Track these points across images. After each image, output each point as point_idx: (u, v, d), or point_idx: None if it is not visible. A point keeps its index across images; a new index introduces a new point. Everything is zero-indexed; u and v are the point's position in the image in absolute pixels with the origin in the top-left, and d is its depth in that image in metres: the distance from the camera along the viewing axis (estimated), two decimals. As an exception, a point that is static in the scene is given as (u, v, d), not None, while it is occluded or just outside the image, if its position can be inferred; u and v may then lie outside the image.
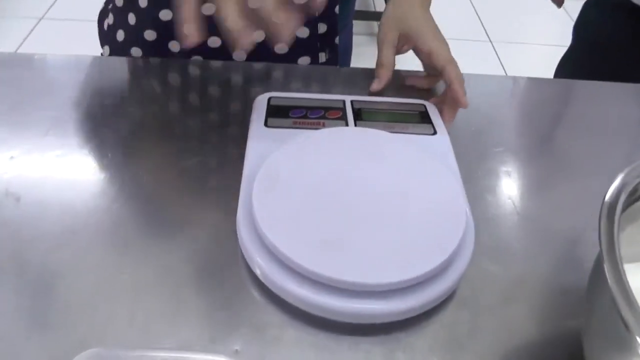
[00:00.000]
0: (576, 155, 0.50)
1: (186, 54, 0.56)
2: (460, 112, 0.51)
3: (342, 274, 0.32)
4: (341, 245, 0.34)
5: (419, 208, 0.36)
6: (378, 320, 0.33)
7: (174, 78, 0.54)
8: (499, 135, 0.52)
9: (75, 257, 0.36)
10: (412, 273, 0.32)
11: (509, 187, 0.45)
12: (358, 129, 0.43)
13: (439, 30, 0.52)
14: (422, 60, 0.52)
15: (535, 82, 0.60)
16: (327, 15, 0.57)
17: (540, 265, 0.39)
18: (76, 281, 0.35)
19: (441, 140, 0.44)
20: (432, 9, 0.56)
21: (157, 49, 0.56)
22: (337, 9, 0.57)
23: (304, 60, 0.58)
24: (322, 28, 0.57)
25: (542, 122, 0.54)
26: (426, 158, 0.40)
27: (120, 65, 0.55)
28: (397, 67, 0.55)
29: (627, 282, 0.24)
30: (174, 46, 0.56)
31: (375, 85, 0.50)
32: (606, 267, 0.25)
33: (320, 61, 0.59)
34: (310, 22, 0.56)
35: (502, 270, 0.38)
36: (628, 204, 0.28)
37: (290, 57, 0.57)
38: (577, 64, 0.80)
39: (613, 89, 0.59)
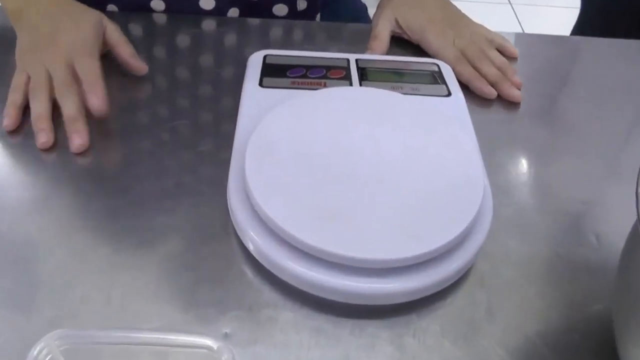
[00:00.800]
0: (598, 118, 0.47)
1: (219, 11, 0.53)
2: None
3: (345, 249, 0.29)
4: (344, 218, 0.30)
5: (431, 176, 0.33)
6: (385, 301, 0.30)
7: (161, 36, 0.51)
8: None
9: (44, 230, 0.33)
10: (424, 248, 0.29)
11: (529, 153, 0.42)
12: (363, 88, 0.40)
13: (447, 20, 0.49)
14: None
15: (551, 40, 0.57)
16: None
17: (562, 240, 0.36)
18: (46, 257, 0.32)
19: (456, 102, 0.41)
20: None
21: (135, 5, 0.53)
22: None
23: (281, 10, 0.55)
24: None
25: (559, 82, 0.51)
26: (439, 121, 0.37)
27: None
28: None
29: None
30: (156, 5, 0.53)
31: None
32: None
33: (298, 9, 0.56)
34: None
35: (522, 246, 0.35)
36: None
37: (266, 4, 0.54)
38: (591, 25, 0.77)
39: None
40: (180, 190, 0.36)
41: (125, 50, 0.44)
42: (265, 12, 0.54)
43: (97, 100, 0.38)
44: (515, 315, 0.31)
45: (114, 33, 0.44)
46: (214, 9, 0.53)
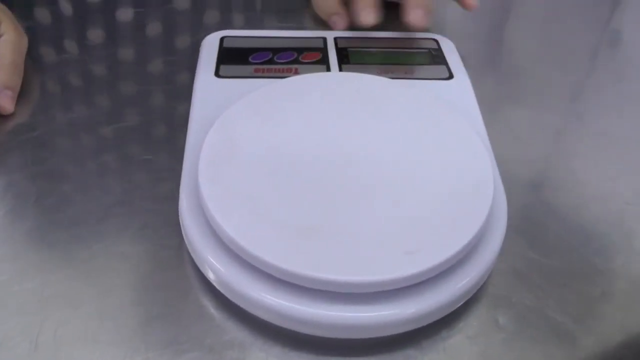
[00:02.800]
0: None
1: None
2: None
3: (325, 271, 0.30)
4: (324, 234, 0.32)
5: (429, 180, 0.34)
6: (377, 334, 0.32)
7: (93, 17, 0.53)
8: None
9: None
10: (422, 266, 0.30)
11: (556, 145, 0.44)
12: (344, 74, 0.42)
13: None
14: None
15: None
16: None
17: (601, 250, 0.37)
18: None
19: (460, 86, 0.42)
20: None
21: None
22: None
23: None
24: None
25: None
26: (438, 110, 0.38)
27: None
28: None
29: None
30: None
31: (364, 17, 0.47)
32: None
33: None
34: None
35: (547, 259, 0.37)
36: None
37: None
38: None
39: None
40: (124, 209, 0.38)
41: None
42: None
43: None
44: (541, 347, 0.33)
45: (3, 45, 0.44)
46: None
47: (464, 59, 0.47)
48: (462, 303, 0.33)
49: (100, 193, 0.39)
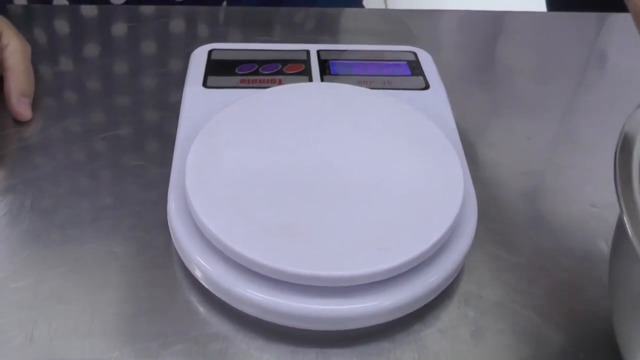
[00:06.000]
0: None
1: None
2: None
3: (304, 267, 0.32)
4: (303, 232, 0.34)
5: (403, 182, 0.37)
6: (353, 326, 0.34)
7: (89, 27, 0.55)
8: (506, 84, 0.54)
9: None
10: (395, 261, 0.33)
11: (524, 151, 0.46)
12: (325, 84, 0.44)
13: None
14: None
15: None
16: None
17: (564, 250, 0.40)
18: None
19: (435, 96, 0.45)
20: None
21: None
22: None
23: None
24: None
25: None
26: (413, 118, 0.41)
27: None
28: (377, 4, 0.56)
29: None
30: None
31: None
32: (629, 228, 0.26)
33: None
34: None
35: (514, 257, 0.39)
36: None
37: None
38: None
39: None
40: (115, 212, 0.40)
41: (14, 85, 0.45)
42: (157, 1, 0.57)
43: None
44: (508, 338, 0.35)
45: (13, 57, 0.46)
46: None
47: (441, 70, 0.49)
48: (433, 298, 0.35)
49: (92, 197, 0.41)
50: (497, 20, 0.64)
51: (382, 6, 1.90)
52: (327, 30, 0.57)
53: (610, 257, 0.32)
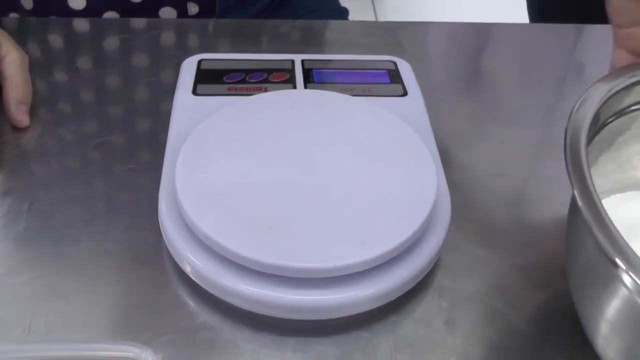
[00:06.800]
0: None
1: (92, 12, 0.59)
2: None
3: (285, 259, 0.34)
4: (285, 227, 0.36)
5: (379, 182, 0.39)
6: (331, 315, 0.36)
7: (81, 39, 0.58)
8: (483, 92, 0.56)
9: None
10: (370, 253, 0.35)
11: (496, 154, 0.49)
12: (307, 91, 0.47)
13: None
14: None
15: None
16: None
17: (530, 246, 0.42)
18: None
19: (413, 102, 0.47)
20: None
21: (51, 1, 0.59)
22: None
23: (168, 13, 0.62)
24: None
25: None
26: (391, 123, 0.43)
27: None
28: (364, 17, 0.59)
29: (607, 214, 0.28)
30: (75, 2, 0.59)
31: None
32: (579, 200, 0.28)
33: (189, 14, 0.63)
34: None
35: (486, 252, 0.41)
36: (594, 134, 0.33)
37: (148, 6, 0.61)
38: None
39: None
40: (109, 213, 0.42)
41: (12, 93, 0.47)
42: (149, 16, 0.61)
43: None
44: (479, 326, 0.37)
45: (11, 67, 0.48)
46: (85, 9, 0.60)
47: (425, 80, 0.52)
48: (409, 290, 0.38)
49: (87, 199, 0.43)
50: (482, 32, 0.67)
51: (373, 18, 1.94)
52: (312, 42, 0.60)
53: (566, 233, 0.35)
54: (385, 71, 0.50)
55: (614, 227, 0.28)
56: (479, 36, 0.66)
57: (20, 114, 0.47)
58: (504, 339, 0.37)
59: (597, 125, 0.35)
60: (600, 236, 0.28)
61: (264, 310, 0.36)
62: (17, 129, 0.47)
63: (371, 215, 0.37)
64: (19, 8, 0.60)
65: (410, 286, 0.37)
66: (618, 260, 0.27)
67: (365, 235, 0.36)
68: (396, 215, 0.37)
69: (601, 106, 0.35)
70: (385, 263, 0.36)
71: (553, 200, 0.45)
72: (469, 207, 0.44)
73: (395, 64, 0.51)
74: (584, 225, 0.28)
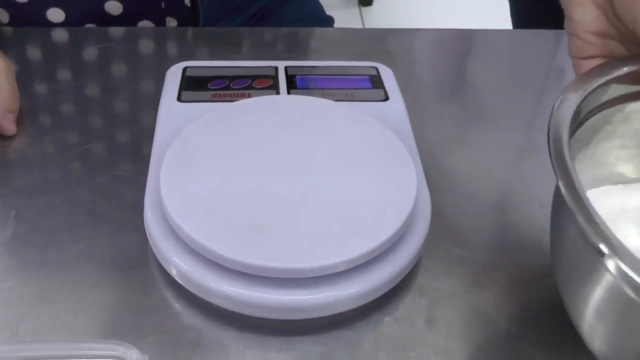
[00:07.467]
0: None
1: (70, 25, 0.60)
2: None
3: (268, 260, 0.35)
4: (268, 230, 0.37)
5: (360, 184, 0.40)
6: (316, 314, 0.37)
7: (63, 49, 0.59)
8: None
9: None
10: (352, 254, 0.36)
11: (475, 157, 0.50)
12: (289, 97, 0.48)
13: None
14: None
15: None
16: None
17: (510, 246, 0.43)
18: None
19: (394, 107, 0.48)
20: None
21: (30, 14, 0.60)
22: None
23: (146, 26, 0.63)
24: None
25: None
26: (372, 127, 0.44)
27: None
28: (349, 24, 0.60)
29: (590, 203, 0.30)
30: (53, 15, 0.60)
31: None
32: (563, 189, 0.30)
33: (167, 26, 0.64)
34: None
35: (466, 252, 0.42)
36: (572, 132, 0.35)
37: (126, 19, 0.62)
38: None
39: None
40: (95, 219, 0.43)
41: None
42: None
43: None
44: (459, 324, 0.38)
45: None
46: (64, 22, 0.61)
47: (409, 85, 0.53)
48: (391, 289, 0.39)
49: (73, 205, 0.44)
50: (466, 37, 0.68)
51: (360, 26, 1.96)
52: (296, 50, 0.61)
53: (550, 225, 0.37)
54: (367, 77, 0.51)
55: (598, 215, 0.29)
56: (463, 42, 0.68)
57: (7, 122, 0.48)
58: (484, 336, 0.38)
59: (578, 120, 0.36)
60: (584, 223, 0.29)
61: (249, 310, 0.37)
62: (3, 137, 0.48)
63: (352, 217, 0.38)
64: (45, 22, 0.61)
65: (392, 286, 0.38)
66: (602, 247, 0.29)
67: (347, 237, 0.37)
68: (377, 216, 0.38)
69: (581, 102, 0.36)
70: (367, 263, 0.37)
71: (533, 202, 0.46)
72: (449, 209, 0.45)
73: (377, 69, 0.52)
74: (568, 214, 0.30)
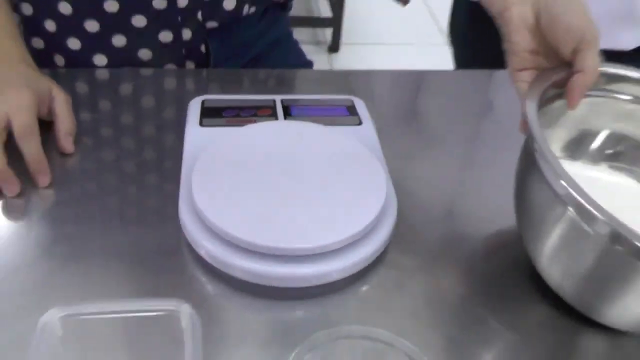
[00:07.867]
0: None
1: (113, 66, 0.72)
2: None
3: (275, 242, 0.48)
4: (275, 218, 0.49)
5: (343, 186, 0.53)
6: (311, 283, 0.49)
7: (105, 86, 0.71)
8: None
9: (21, 253, 0.50)
10: (341, 235, 0.48)
11: (430, 169, 0.64)
12: (286, 122, 0.61)
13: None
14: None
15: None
16: (190, 19, 0.72)
17: (461, 230, 0.56)
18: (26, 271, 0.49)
19: (366, 129, 0.62)
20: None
21: (80, 59, 0.72)
22: (199, 14, 0.73)
23: (169, 68, 0.75)
24: (186, 34, 0.73)
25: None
26: (350, 144, 0.57)
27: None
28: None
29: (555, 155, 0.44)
30: (98, 60, 0.72)
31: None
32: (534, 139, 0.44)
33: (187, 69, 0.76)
34: (175, 27, 0.72)
35: (430, 236, 0.55)
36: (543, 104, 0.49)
37: (155, 64, 0.74)
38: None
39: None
40: (138, 213, 0.55)
41: (61, 126, 0.59)
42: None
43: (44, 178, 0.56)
44: (423, 290, 0.50)
45: (60, 105, 0.60)
46: (107, 65, 0.73)
47: (374, 114, 0.66)
48: (369, 263, 0.51)
49: (121, 205, 0.55)
50: (417, 77, 0.82)
51: (328, 66, 2.13)
52: (285, 85, 0.74)
53: (515, 177, 0.51)
54: (344, 107, 0.65)
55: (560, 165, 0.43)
56: (414, 80, 0.82)
57: (67, 143, 0.59)
58: (444, 298, 0.50)
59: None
60: (547, 167, 0.44)
61: (261, 281, 0.49)
62: (63, 154, 0.59)
63: (339, 209, 0.51)
64: (50, 64, 0.73)
65: (370, 261, 0.51)
66: (563, 182, 0.42)
67: (336, 224, 0.49)
68: (357, 209, 0.51)
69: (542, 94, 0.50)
70: (351, 244, 0.49)
71: (479, 197, 0.60)
72: (410, 204, 0.57)
73: (352, 101, 0.66)
74: (534, 163, 0.44)
